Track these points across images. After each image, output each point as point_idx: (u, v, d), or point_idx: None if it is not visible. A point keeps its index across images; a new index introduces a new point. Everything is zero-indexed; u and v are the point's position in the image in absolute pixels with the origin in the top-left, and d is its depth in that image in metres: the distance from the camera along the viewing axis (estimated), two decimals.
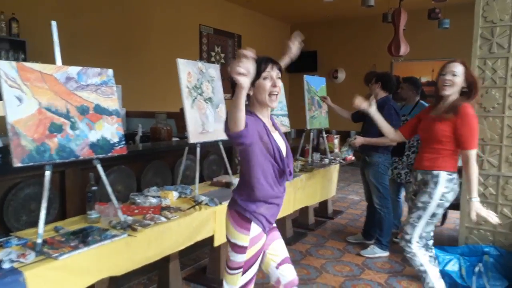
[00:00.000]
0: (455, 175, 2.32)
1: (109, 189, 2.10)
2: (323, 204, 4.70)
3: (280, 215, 2.14)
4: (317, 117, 4.43)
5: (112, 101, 2.18)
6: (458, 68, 2.26)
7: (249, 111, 1.68)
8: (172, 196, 2.63)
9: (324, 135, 4.67)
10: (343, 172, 4.65)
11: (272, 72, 1.67)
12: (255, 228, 1.70)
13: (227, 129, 1.53)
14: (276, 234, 1.89)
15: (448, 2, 6.20)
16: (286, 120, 4.21)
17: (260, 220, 1.71)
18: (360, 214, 4.87)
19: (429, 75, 8.16)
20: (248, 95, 1.67)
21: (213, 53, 7.50)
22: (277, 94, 1.67)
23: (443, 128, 2.28)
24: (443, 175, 2.28)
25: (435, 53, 7.88)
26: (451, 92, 2.28)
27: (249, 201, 1.71)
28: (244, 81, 1.34)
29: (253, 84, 1.62)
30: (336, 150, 4.93)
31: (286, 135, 2.39)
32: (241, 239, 1.70)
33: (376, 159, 3.48)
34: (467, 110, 2.23)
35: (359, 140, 3.49)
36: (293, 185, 3.52)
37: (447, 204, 2.33)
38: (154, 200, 2.49)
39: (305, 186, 3.72)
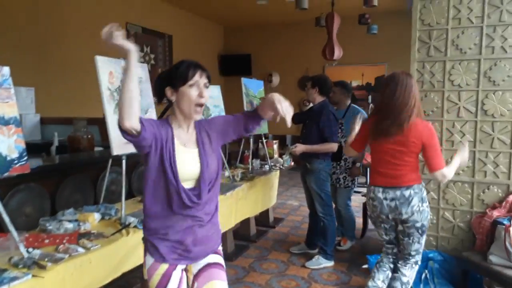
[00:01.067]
0: (369, 188, 2.38)
1: (6, 218, 1.66)
2: (264, 213, 4.47)
3: (222, 229, 1.85)
4: None
5: (9, 107, 1.74)
6: None
7: (165, 120, 1.51)
8: (93, 219, 2.21)
9: (264, 140, 4.47)
10: (281, 176, 4.50)
11: (200, 80, 1.46)
12: (148, 259, 1.50)
13: (120, 123, 1.29)
14: (215, 273, 1.55)
15: (377, 9, 6.36)
16: None
17: (152, 247, 1.48)
18: (301, 220, 4.74)
19: (360, 79, 8.41)
20: (170, 103, 1.51)
21: (141, 54, 6.99)
22: (202, 105, 1.47)
23: None
24: None
25: (365, 58, 8.15)
26: None
27: (145, 221, 1.52)
28: (129, 44, 1.24)
29: (176, 90, 1.46)
30: (276, 156, 4.76)
31: None
32: (143, 273, 1.55)
33: (317, 165, 3.34)
34: None
35: (300, 148, 3.35)
36: (234, 196, 3.25)
37: (369, 213, 2.46)
38: (70, 226, 2.07)
39: (246, 196, 3.47)
